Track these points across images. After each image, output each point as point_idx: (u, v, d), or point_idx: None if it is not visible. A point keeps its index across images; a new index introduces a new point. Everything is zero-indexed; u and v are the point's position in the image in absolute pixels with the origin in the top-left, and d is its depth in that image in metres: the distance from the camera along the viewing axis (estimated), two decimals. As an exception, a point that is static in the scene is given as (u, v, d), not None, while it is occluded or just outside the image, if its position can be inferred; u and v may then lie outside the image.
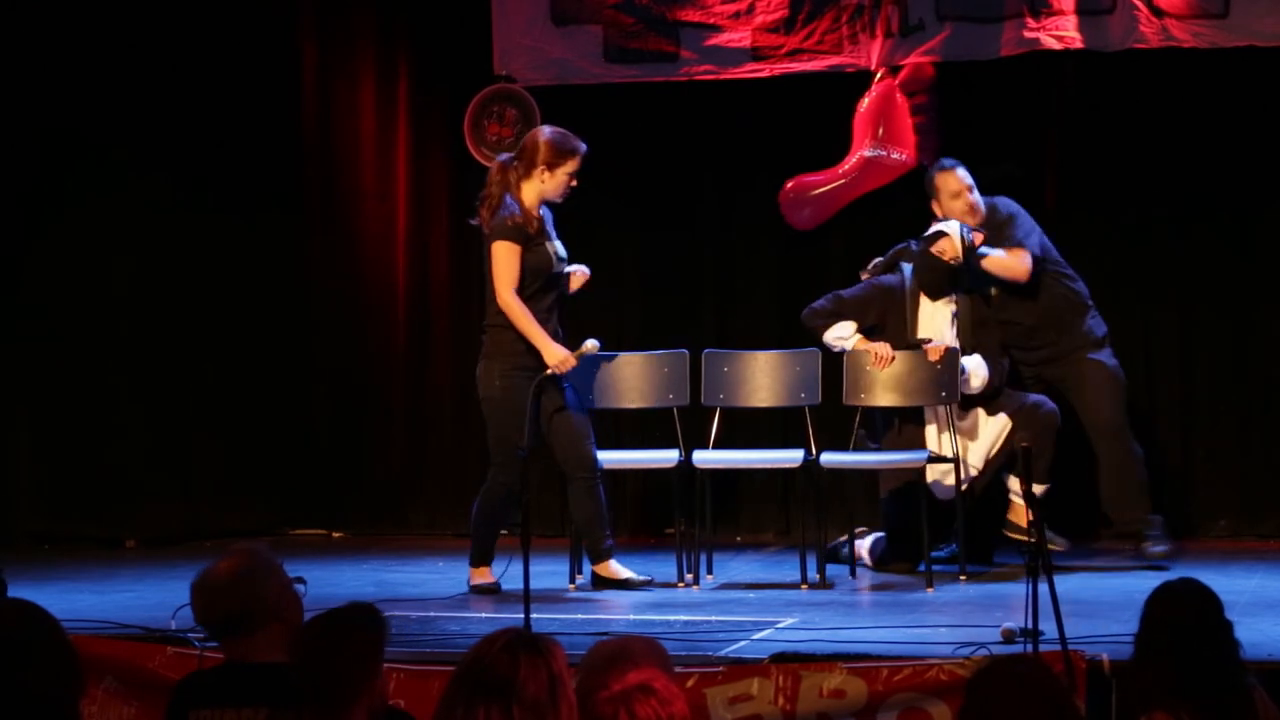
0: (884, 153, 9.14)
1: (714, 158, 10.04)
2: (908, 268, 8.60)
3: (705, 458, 8.52)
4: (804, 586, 8.22)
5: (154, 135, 10.14)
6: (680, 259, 10.13)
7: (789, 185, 9.22)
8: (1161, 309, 9.66)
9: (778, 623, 7.24)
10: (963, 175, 8.69)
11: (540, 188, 8.16)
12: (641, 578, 8.27)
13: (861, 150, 9.18)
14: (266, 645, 4.48)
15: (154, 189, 10.22)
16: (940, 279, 8.50)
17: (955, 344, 8.47)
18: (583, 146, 8.23)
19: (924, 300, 8.57)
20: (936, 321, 8.54)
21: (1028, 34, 9.31)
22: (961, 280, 8.53)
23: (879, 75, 9.36)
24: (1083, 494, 8.96)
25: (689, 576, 8.40)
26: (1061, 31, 9.26)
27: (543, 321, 8.13)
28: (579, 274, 8.36)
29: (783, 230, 9.50)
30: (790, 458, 8.48)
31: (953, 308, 8.55)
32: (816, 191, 9.24)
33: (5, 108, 10.13)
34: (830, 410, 8.83)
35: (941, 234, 8.52)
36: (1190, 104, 9.50)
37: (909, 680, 6.04)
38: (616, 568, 8.28)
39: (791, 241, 9.68)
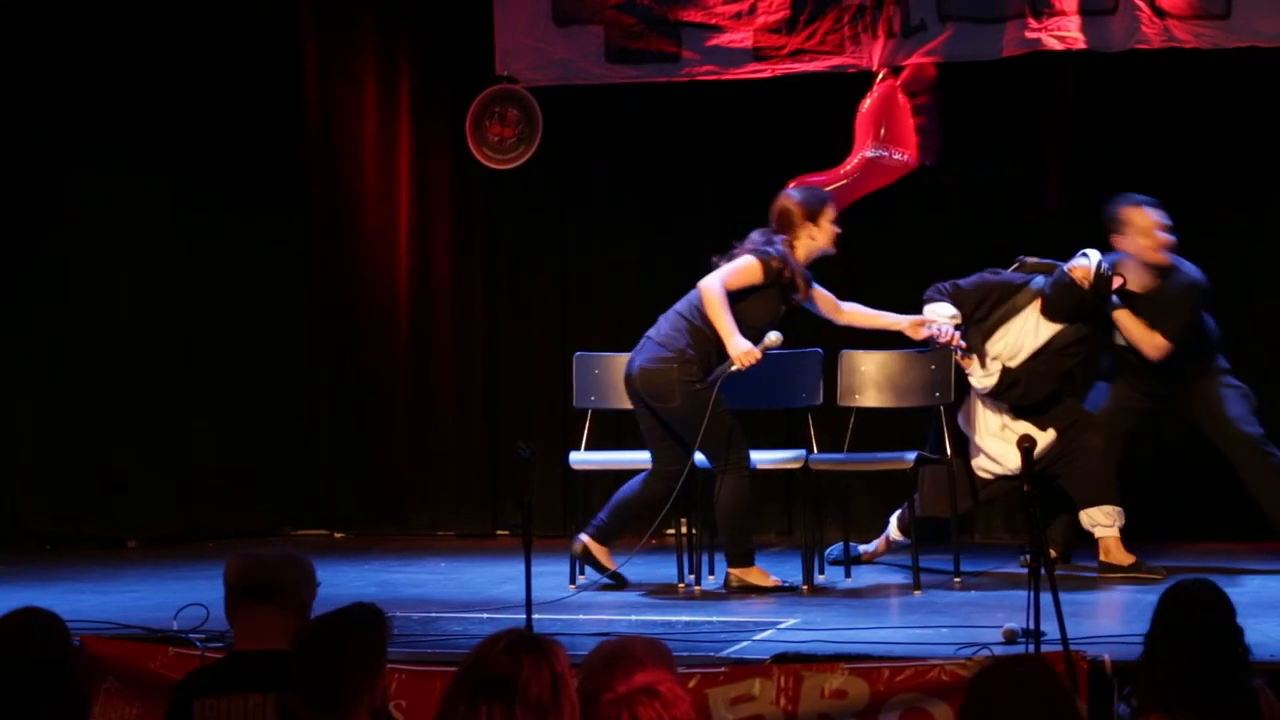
0: (886, 153, 9.13)
1: (716, 158, 10.04)
2: (1040, 279, 8.44)
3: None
4: (805, 588, 8.22)
5: (155, 135, 10.15)
6: (682, 259, 10.11)
7: (791, 186, 9.21)
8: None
9: (779, 623, 7.24)
10: (1155, 214, 8.45)
11: (811, 244, 8.20)
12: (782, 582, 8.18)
13: (863, 151, 9.17)
14: (279, 630, 4.52)
15: (156, 189, 10.23)
16: (1064, 301, 8.28)
17: (1018, 359, 8.40)
18: (831, 195, 8.32)
19: (1028, 311, 8.40)
20: (1023, 336, 8.40)
21: (1029, 34, 9.31)
22: (1083, 313, 8.33)
23: (881, 76, 9.35)
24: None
25: (690, 577, 8.39)
26: (1063, 32, 9.26)
27: (714, 356, 8.03)
28: (772, 339, 8.16)
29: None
30: (792, 458, 8.48)
31: (1051, 333, 8.37)
32: (818, 192, 9.22)
33: (6, 109, 10.14)
34: (832, 411, 8.84)
35: (1083, 256, 8.30)
36: (1192, 105, 9.51)
37: (911, 681, 6.04)
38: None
39: (793, 242, 9.66)
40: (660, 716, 3.61)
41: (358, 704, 4.08)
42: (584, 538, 8.24)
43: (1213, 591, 4.53)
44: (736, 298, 8.07)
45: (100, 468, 10.20)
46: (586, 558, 8.21)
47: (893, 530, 8.74)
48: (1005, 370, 8.40)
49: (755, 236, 8.24)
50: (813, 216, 8.21)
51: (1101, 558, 8.38)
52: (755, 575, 8.16)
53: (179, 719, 4.55)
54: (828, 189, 9.14)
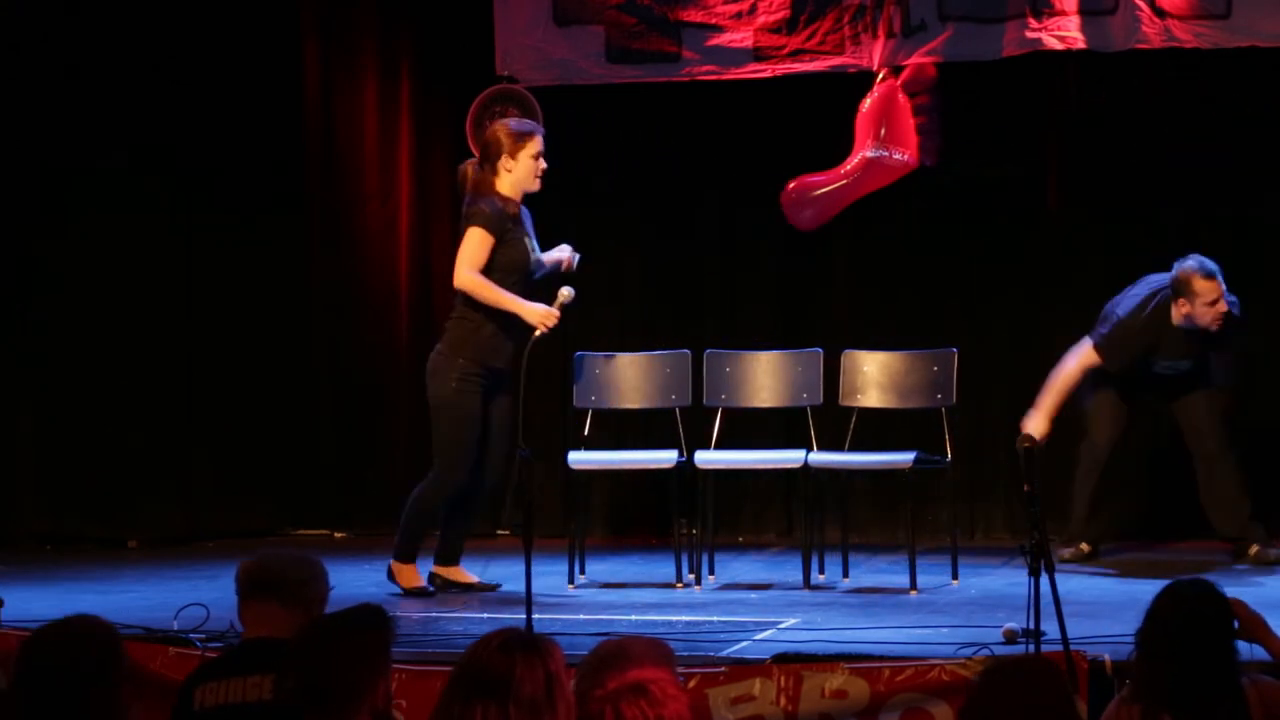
0: (886, 153, 9.13)
1: (716, 158, 10.04)
2: None
3: (707, 458, 8.52)
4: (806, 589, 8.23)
5: (155, 135, 10.14)
6: (682, 259, 10.14)
7: (791, 185, 9.21)
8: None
9: (780, 623, 7.25)
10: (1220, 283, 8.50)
11: (510, 178, 8.12)
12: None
13: (864, 151, 9.17)
14: (283, 622, 4.56)
15: (156, 189, 10.22)
16: None
17: None
18: (540, 127, 8.23)
19: None
20: None
21: (1030, 34, 9.30)
22: None
23: (881, 76, 9.35)
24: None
25: (690, 577, 8.40)
26: (1064, 32, 9.25)
27: (514, 323, 8.07)
28: (565, 256, 8.24)
29: (785, 230, 9.50)
30: (792, 458, 8.48)
31: None
32: (819, 192, 9.23)
33: (8, 109, 10.13)
34: (833, 410, 8.84)
35: None
36: (1192, 104, 9.50)
37: (911, 680, 6.05)
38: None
39: (794, 242, 9.68)
40: (645, 714, 3.59)
41: (358, 704, 4.08)
42: (433, 568, 8.29)
43: (1206, 591, 4.52)
44: (492, 264, 8.06)
45: (100, 468, 10.19)
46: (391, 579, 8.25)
47: None
48: None
49: (461, 173, 8.22)
50: (511, 150, 8.11)
51: None
52: (406, 575, 8.20)
53: (182, 708, 4.59)
54: (828, 189, 9.16)
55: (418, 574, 8.23)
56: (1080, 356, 8.65)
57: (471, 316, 8.11)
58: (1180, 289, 8.49)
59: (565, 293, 8.16)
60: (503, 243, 8.08)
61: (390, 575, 8.23)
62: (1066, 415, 9.02)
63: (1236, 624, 4.55)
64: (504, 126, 8.20)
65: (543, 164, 8.15)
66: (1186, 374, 8.70)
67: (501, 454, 8.21)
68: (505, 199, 8.12)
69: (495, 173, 8.13)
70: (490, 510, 8.85)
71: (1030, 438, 6.34)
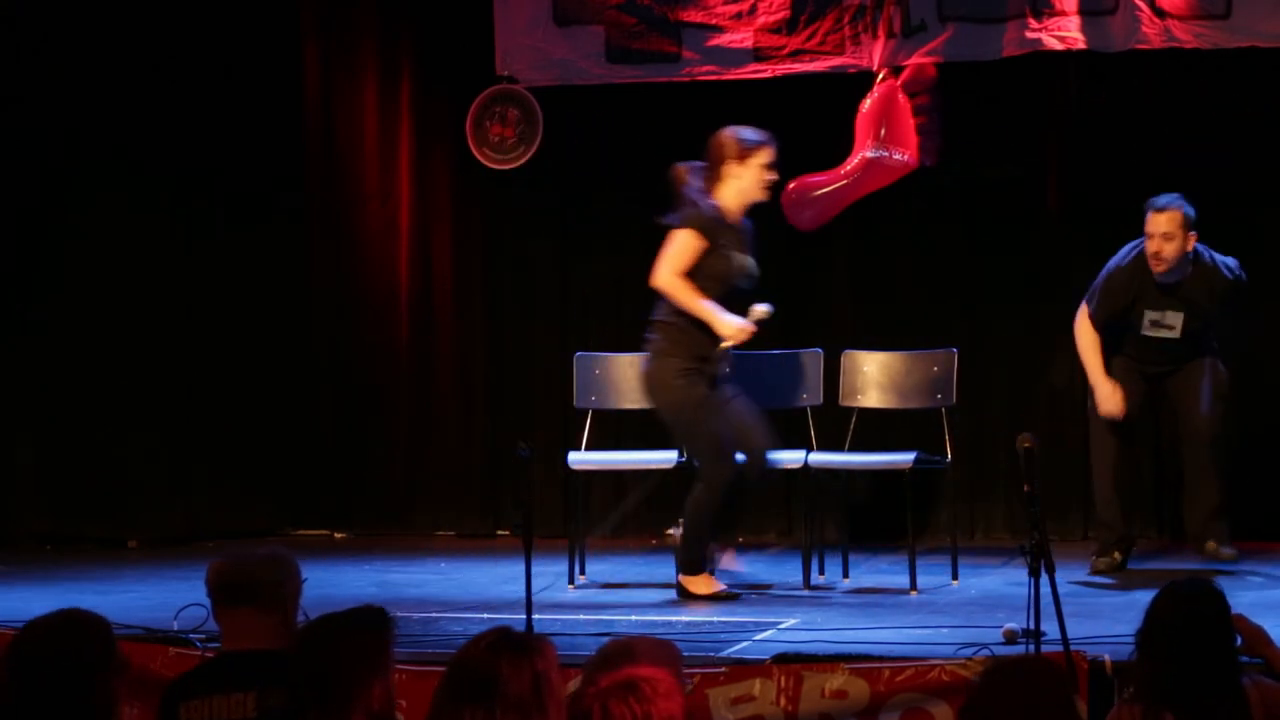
0: (886, 153, 9.12)
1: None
2: None
3: (707, 458, 8.50)
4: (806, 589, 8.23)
5: (155, 135, 10.14)
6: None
7: (791, 186, 9.20)
8: (1163, 310, 9.64)
9: (780, 623, 7.25)
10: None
11: (736, 185, 7.99)
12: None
13: (864, 151, 9.16)
14: (262, 631, 4.52)
15: (155, 189, 10.22)
16: None
17: None
18: (772, 139, 8.03)
19: None
20: None
21: (1030, 35, 9.31)
22: None
23: (881, 76, 9.35)
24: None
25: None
26: (1064, 32, 9.26)
27: (697, 343, 7.87)
28: (760, 310, 7.99)
29: (785, 230, 9.50)
30: (792, 458, 8.48)
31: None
32: (819, 192, 9.22)
33: (8, 109, 10.13)
34: (833, 410, 8.84)
35: None
36: (1192, 105, 9.51)
37: (911, 681, 6.05)
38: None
39: (794, 242, 9.67)
40: (632, 711, 3.58)
41: (354, 706, 4.07)
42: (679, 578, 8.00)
43: (1205, 590, 4.53)
44: (696, 270, 7.92)
45: (100, 468, 10.19)
46: (686, 595, 7.94)
47: None
48: None
49: (690, 182, 8.05)
50: (740, 155, 7.97)
51: None
52: (698, 585, 7.93)
53: None
54: (828, 189, 9.15)
55: (711, 580, 7.94)
56: (1083, 319, 8.54)
57: (675, 321, 7.91)
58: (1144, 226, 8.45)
59: (761, 309, 7.93)
60: (712, 251, 7.91)
61: (682, 592, 7.92)
62: (1066, 415, 9.05)
63: (1240, 640, 4.55)
64: (732, 134, 8.00)
65: (772, 174, 8.03)
66: (1181, 342, 8.56)
67: (759, 446, 7.99)
68: (723, 207, 7.98)
69: (719, 178, 7.98)
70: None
71: (1029, 437, 6.29)
